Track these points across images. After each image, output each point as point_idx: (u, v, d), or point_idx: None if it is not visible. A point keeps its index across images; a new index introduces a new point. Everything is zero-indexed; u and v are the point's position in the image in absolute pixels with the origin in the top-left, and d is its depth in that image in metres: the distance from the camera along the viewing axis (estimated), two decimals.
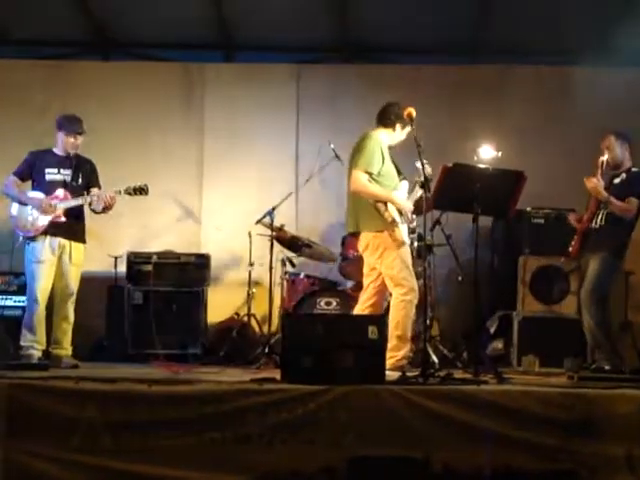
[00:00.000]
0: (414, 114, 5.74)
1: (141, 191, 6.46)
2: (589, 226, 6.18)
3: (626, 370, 5.83)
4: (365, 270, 6.13)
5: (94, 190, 6.51)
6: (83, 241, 6.53)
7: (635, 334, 7.14)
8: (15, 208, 6.42)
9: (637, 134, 6.41)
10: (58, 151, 6.50)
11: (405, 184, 6.10)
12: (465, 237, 7.25)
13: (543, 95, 8.35)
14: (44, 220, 6.31)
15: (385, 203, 5.86)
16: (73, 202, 6.38)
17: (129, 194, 6.44)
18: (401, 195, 6.00)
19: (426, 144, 5.54)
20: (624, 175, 6.15)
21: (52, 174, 6.44)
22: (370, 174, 5.89)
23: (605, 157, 6.14)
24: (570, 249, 6.26)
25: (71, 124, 6.44)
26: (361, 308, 6.07)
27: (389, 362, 5.33)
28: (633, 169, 6.15)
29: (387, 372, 4.93)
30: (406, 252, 5.93)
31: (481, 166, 5.62)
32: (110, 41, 8.83)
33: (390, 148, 6.12)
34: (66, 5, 8.22)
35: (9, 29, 8.53)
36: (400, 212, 5.90)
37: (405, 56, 8.76)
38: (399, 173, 6.13)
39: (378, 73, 8.54)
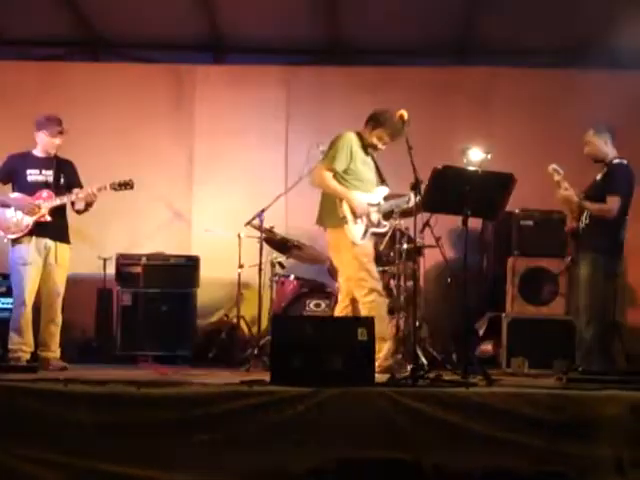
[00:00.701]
0: (406, 116, 5.75)
1: (126, 186, 6.40)
2: (577, 227, 6.19)
3: (615, 372, 5.84)
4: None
5: (76, 190, 6.47)
6: (68, 241, 6.50)
7: (623, 336, 7.14)
8: None
9: (625, 136, 6.42)
10: (38, 152, 6.46)
11: (383, 189, 6.10)
12: (454, 239, 7.25)
13: (531, 97, 8.37)
14: (29, 221, 6.27)
15: (342, 200, 5.91)
16: (58, 201, 6.34)
17: (114, 189, 6.39)
18: (365, 197, 6.00)
19: (414, 146, 5.53)
20: (605, 169, 6.13)
21: (34, 175, 6.39)
22: (334, 171, 5.94)
23: (553, 165, 6.16)
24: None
25: (52, 124, 6.39)
26: (339, 309, 6.11)
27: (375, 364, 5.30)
28: (614, 161, 6.11)
29: (376, 374, 4.92)
30: (363, 252, 5.94)
31: (471, 168, 5.62)
32: (100, 42, 8.81)
33: (371, 152, 6.13)
34: (56, 6, 8.19)
35: None
36: (354, 212, 5.92)
37: (394, 58, 8.75)
38: (382, 179, 6.15)
39: (367, 75, 8.54)
